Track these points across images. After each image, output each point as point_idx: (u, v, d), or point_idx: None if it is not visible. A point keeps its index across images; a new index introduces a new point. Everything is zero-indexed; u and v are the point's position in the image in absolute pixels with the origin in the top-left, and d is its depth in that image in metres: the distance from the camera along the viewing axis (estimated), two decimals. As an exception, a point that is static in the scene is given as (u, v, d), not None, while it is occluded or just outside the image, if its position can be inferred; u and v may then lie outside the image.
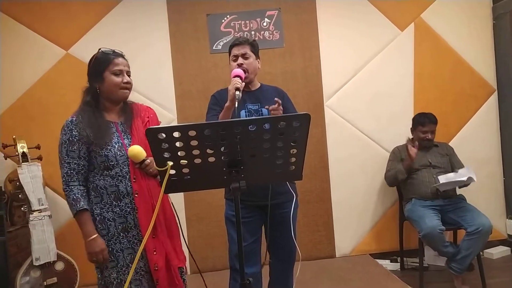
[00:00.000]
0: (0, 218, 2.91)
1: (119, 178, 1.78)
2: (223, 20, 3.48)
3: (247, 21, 3.49)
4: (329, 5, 3.51)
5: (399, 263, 3.38)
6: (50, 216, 2.84)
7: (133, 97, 1.99)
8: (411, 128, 3.23)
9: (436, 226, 2.71)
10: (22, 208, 2.90)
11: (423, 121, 3.13)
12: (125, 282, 1.77)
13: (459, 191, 3.08)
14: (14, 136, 2.93)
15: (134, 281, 1.78)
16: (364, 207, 3.57)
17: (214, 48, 3.47)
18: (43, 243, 2.77)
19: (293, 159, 1.42)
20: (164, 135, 1.27)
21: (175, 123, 3.45)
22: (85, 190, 1.79)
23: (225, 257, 3.30)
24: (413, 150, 2.97)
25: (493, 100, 3.62)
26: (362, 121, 3.54)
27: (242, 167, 1.39)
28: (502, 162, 3.61)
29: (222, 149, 1.33)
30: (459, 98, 3.58)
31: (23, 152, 2.86)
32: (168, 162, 1.36)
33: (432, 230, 2.70)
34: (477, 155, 3.49)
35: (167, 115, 3.41)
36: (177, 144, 1.31)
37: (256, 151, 1.36)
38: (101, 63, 1.81)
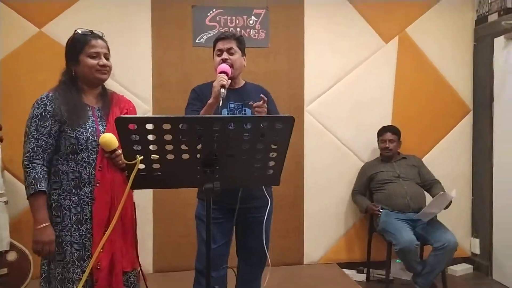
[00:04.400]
0: None
1: (84, 164, 1.67)
2: (208, 14, 3.37)
3: (233, 17, 3.40)
4: (317, 9, 3.47)
5: (365, 274, 3.38)
6: (6, 202, 2.66)
7: (108, 83, 1.88)
8: (377, 141, 3.33)
9: (413, 241, 2.72)
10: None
11: (381, 131, 3.28)
12: (67, 281, 1.66)
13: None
14: None
15: (77, 281, 1.64)
16: (335, 216, 3.54)
17: (197, 41, 3.36)
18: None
19: (272, 163, 1.35)
20: (135, 126, 1.18)
21: (150, 115, 3.31)
22: (48, 172, 1.67)
23: (191, 258, 3.22)
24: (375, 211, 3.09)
25: (468, 120, 3.68)
26: (341, 129, 3.52)
27: (217, 167, 1.31)
28: (471, 181, 3.68)
29: (198, 146, 1.25)
30: (436, 115, 3.62)
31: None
32: (137, 155, 1.27)
33: (409, 245, 2.70)
34: (449, 172, 3.54)
35: (142, 106, 3.28)
36: (149, 137, 1.22)
37: (234, 151, 1.29)
38: (77, 45, 1.71)
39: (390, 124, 3.46)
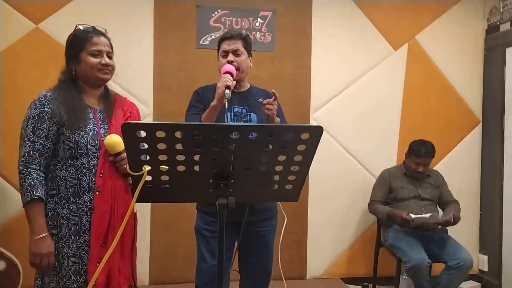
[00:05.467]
0: None
1: (84, 170, 1.54)
2: (213, 14, 3.25)
3: (239, 19, 3.28)
4: (325, 14, 3.36)
5: (370, 290, 3.24)
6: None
7: (108, 84, 1.75)
8: (405, 154, 3.06)
9: (425, 259, 2.58)
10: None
11: (418, 152, 2.90)
12: None
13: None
14: None
15: None
16: (340, 229, 3.41)
17: (201, 43, 3.24)
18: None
19: (292, 177, 1.22)
20: (144, 133, 1.04)
21: (150, 119, 3.17)
22: (45, 178, 1.53)
23: (188, 270, 3.06)
24: (404, 218, 2.74)
25: (477, 131, 3.58)
26: (347, 138, 3.40)
27: (232, 181, 1.18)
28: (480, 195, 3.57)
29: (213, 158, 1.11)
30: (445, 126, 3.52)
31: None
32: (144, 166, 1.13)
33: (421, 263, 2.56)
34: (457, 186, 3.41)
35: (142, 109, 3.11)
36: (159, 146, 1.08)
37: (252, 163, 1.15)
38: (78, 42, 1.59)
39: (398, 134, 3.34)
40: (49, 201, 1.53)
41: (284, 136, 1.06)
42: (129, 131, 1.03)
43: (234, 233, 1.92)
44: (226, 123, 1.69)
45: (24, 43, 2.99)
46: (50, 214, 1.53)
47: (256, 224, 1.93)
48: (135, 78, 3.12)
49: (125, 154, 1.56)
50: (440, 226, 2.86)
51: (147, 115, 3.15)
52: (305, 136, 1.06)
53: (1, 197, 2.79)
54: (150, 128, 1.02)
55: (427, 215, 2.74)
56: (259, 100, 1.84)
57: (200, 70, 3.21)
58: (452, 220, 2.77)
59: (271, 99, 1.79)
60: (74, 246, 1.53)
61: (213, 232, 1.91)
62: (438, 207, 3.05)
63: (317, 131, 1.05)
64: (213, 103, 1.79)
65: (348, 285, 3.30)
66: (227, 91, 1.72)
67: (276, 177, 1.21)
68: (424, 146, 2.92)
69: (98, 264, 1.50)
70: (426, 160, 2.91)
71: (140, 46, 3.14)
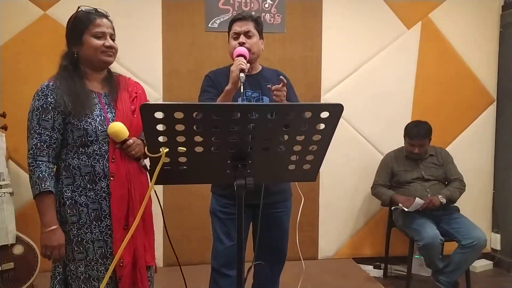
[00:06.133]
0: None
1: (96, 157, 1.53)
2: (222, -4, 3.20)
3: (248, 0, 3.23)
4: (336, -7, 3.29)
5: (382, 270, 3.26)
6: (11, 194, 2.53)
7: (115, 69, 1.73)
8: (403, 136, 3.04)
9: (437, 236, 2.58)
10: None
11: (411, 134, 2.91)
12: (93, 278, 1.55)
13: (453, 201, 2.96)
14: None
15: (102, 278, 1.55)
16: (351, 210, 3.42)
17: (209, 25, 3.20)
18: (2, 223, 2.46)
19: (311, 157, 1.21)
20: (162, 115, 1.03)
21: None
22: (54, 170, 1.53)
23: (202, 251, 3.11)
24: (407, 202, 2.77)
25: (491, 110, 3.52)
26: (359, 120, 3.37)
27: (250, 161, 1.17)
28: (493, 175, 3.53)
29: (231, 138, 1.10)
30: (459, 105, 3.46)
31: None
32: (162, 147, 1.13)
33: (433, 240, 2.57)
34: (470, 165, 3.39)
35: (152, 93, 3.12)
36: (177, 127, 1.07)
37: (270, 143, 1.14)
38: (80, 24, 1.54)
39: (410, 114, 3.30)
40: (66, 190, 1.53)
41: (303, 115, 1.04)
42: (147, 113, 1.02)
43: (249, 215, 1.93)
44: (245, 103, 1.68)
45: (33, 30, 2.99)
46: (68, 203, 1.52)
47: (272, 206, 1.94)
48: (144, 63, 3.11)
49: (131, 141, 1.56)
50: (449, 204, 2.85)
51: (157, 100, 3.14)
52: (324, 114, 1.05)
53: (16, 183, 2.82)
54: (168, 109, 1.01)
55: (421, 201, 2.73)
56: (268, 86, 1.82)
57: (210, 53, 3.18)
58: (440, 202, 2.75)
59: (280, 85, 1.76)
60: (97, 231, 1.55)
61: (229, 214, 1.92)
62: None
63: (337, 109, 1.04)
64: (227, 87, 1.77)
65: (360, 264, 3.32)
66: (242, 74, 1.70)
67: (294, 157, 1.20)
68: (417, 127, 2.90)
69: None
70: (419, 142, 2.88)
71: (148, 30, 3.11)
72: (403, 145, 3.06)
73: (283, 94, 1.79)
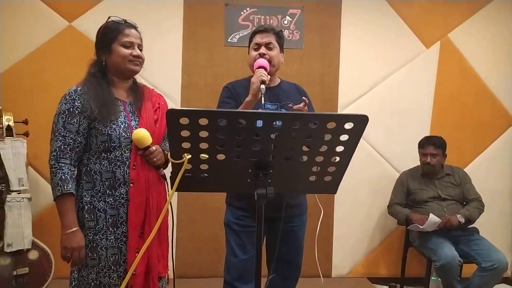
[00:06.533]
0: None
1: (118, 163, 1.55)
2: (242, 12, 3.26)
3: (267, 17, 3.28)
4: (354, 11, 3.32)
5: (397, 291, 3.18)
6: (29, 199, 2.57)
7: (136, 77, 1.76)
8: (418, 150, 3.05)
9: (456, 257, 2.51)
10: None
11: (423, 143, 2.98)
12: (103, 285, 1.55)
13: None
14: (0, 107, 2.66)
15: (113, 285, 1.55)
16: (367, 227, 3.36)
17: (229, 40, 3.25)
18: (18, 227, 2.49)
19: (332, 169, 1.20)
20: (188, 121, 1.05)
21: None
22: (75, 173, 1.55)
23: (213, 264, 3.08)
24: (422, 221, 2.72)
25: (511, 131, 3.46)
26: (376, 137, 3.34)
27: (271, 171, 1.17)
28: (513, 196, 3.46)
29: (254, 147, 1.11)
30: (478, 125, 3.42)
31: (8, 126, 2.59)
32: (185, 154, 1.14)
33: (451, 261, 2.50)
34: (489, 187, 3.32)
35: (171, 105, 3.16)
36: (201, 133, 1.08)
37: (293, 153, 1.14)
38: (110, 33, 1.60)
39: (428, 133, 3.27)
40: (85, 194, 1.55)
41: (327, 125, 1.04)
42: (172, 118, 1.03)
43: (264, 228, 1.91)
44: (269, 111, 1.68)
45: (58, 40, 3.08)
46: (86, 208, 1.54)
47: (289, 219, 1.91)
48: (165, 76, 3.16)
49: (153, 148, 1.59)
50: (468, 225, 2.79)
51: (175, 111, 3.18)
52: (349, 125, 1.04)
53: (34, 189, 2.87)
54: (193, 115, 1.02)
55: (437, 219, 2.68)
56: (289, 105, 1.83)
57: (228, 67, 3.22)
58: (459, 221, 2.70)
59: (301, 105, 1.77)
60: (112, 237, 1.55)
61: (244, 227, 1.91)
62: None
63: (362, 120, 1.03)
64: (248, 99, 1.78)
65: (375, 285, 3.24)
66: (263, 86, 1.71)
67: (315, 168, 1.20)
68: (428, 137, 3.01)
69: (136, 254, 1.51)
70: (431, 150, 2.90)
71: (169, 44, 3.18)
72: (419, 163, 3.03)
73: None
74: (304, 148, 1.13)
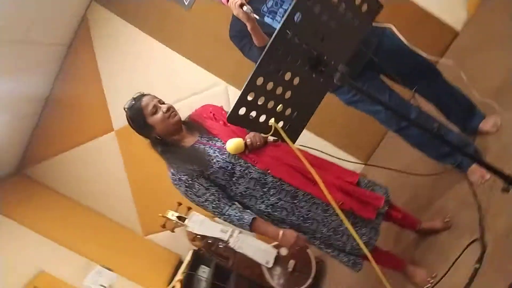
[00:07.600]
0: (217, 266, 3.20)
1: (246, 172, 1.69)
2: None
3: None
4: None
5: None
6: (240, 231, 2.96)
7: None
8: None
9: None
10: (220, 247, 3.11)
11: None
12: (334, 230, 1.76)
13: None
14: (160, 215, 3.06)
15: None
16: None
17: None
18: (258, 250, 2.96)
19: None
20: (244, 109, 1.15)
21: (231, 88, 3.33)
22: (238, 205, 1.74)
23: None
24: None
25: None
26: None
27: (325, 57, 1.21)
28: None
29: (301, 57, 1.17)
30: None
31: (178, 216, 3.01)
32: (269, 121, 1.24)
33: None
34: None
35: (218, 98, 3.31)
36: (259, 102, 1.17)
37: (320, 33, 1.16)
38: (137, 116, 1.71)
39: None
40: (259, 207, 1.71)
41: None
42: (235, 119, 1.15)
43: (373, 72, 1.93)
44: (281, 19, 1.67)
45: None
46: (271, 211, 1.71)
47: (378, 49, 1.88)
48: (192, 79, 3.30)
49: (249, 140, 1.68)
50: None
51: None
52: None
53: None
54: (240, 102, 1.12)
55: None
56: None
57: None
58: None
59: None
60: (303, 203, 1.71)
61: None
62: None
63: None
64: (249, 28, 1.77)
65: None
66: (245, 8, 1.68)
67: (349, 15, 1.19)
68: None
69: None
70: None
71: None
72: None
73: None
74: (330, 22, 1.13)
